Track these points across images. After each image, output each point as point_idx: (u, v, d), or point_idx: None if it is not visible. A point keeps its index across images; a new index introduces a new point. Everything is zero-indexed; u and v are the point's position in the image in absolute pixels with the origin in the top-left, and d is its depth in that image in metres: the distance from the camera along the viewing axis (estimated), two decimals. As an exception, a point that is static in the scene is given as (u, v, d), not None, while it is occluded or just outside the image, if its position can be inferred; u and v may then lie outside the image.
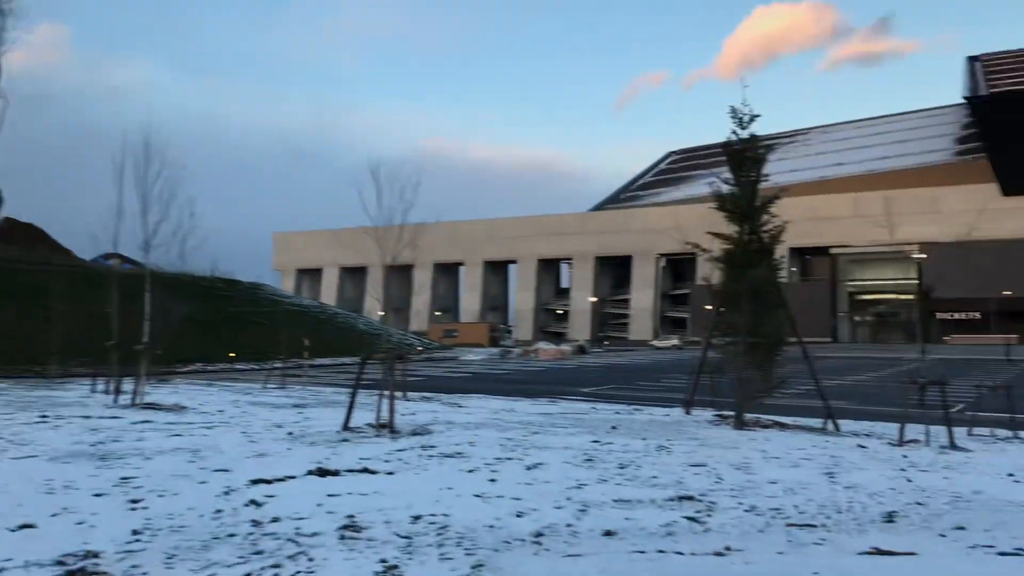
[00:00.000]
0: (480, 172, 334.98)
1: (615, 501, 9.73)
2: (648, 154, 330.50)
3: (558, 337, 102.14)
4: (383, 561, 7.01)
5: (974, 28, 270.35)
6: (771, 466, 12.58)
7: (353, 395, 16.98)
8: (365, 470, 11.38)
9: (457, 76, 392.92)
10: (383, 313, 55.10)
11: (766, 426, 18.22)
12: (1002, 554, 7.84)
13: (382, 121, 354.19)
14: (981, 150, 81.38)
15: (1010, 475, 12.30)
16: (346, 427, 16.00)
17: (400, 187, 19.76)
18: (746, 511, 9.40)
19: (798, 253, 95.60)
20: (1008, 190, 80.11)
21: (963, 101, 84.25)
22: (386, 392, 16.49)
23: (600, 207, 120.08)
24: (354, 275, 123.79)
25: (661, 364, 56.11)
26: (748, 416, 18.58)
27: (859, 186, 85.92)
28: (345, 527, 8.09)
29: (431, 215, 22.51)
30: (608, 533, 8.18)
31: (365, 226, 20.23)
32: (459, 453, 13.21)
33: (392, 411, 16.29)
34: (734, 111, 19.08)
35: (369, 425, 16.32)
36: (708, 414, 20.28)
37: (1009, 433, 17.55)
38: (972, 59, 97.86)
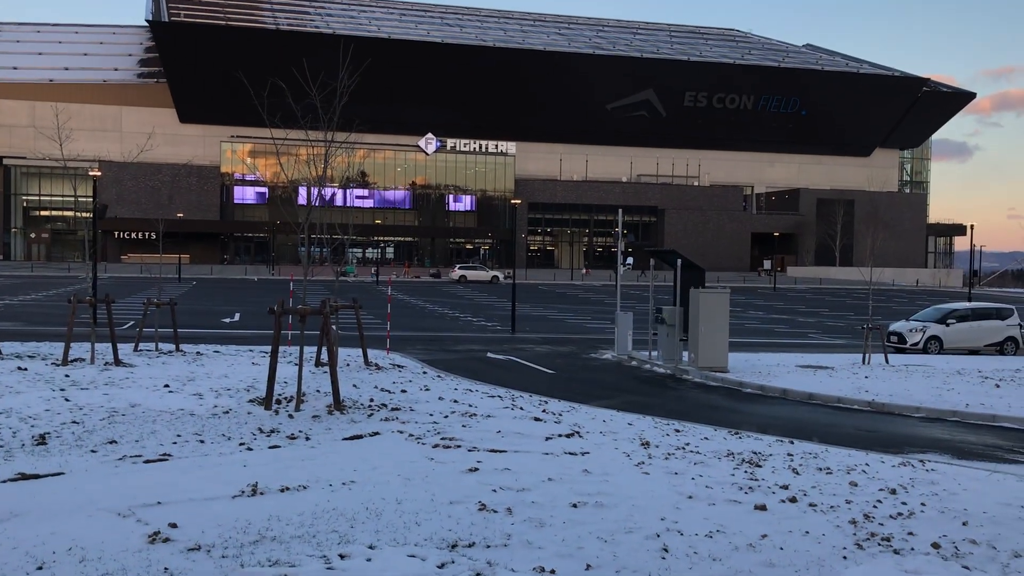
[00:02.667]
0: None
1: None
2: None
3: None
4: None
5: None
6: (-90, 399, 11.10)
7: None
8: None
9: None
10: None
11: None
12: (148, 461, 8.30)
13: None
14: (162, 75, 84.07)
15: (166, 386, 13.10)
16: None
17: None
18: None
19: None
20: (184, 117, 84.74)
21: (146, 24, 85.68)
22: None
23: None
24: None
25: None
26: None
27: (38, 95, 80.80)
28: None
29: None
30: None
31: None
32: None
33: None
34: None
35: None
36: None
37: (172, 347, 18.69)
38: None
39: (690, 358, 19.33)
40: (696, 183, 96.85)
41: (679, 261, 20.20)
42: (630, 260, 79.18)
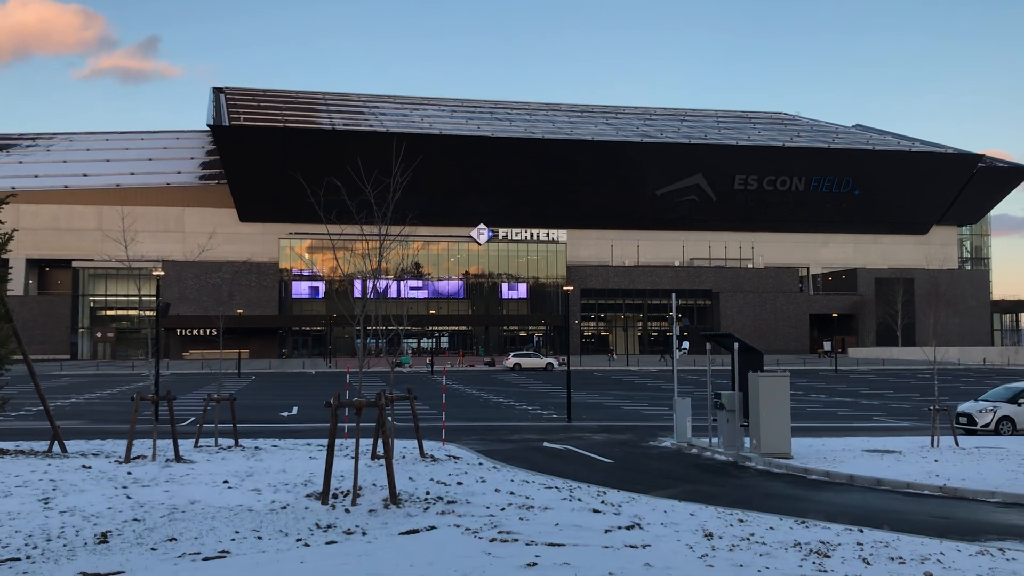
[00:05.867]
0: None
1: None
2: None
3: None
4: None
5: (227, 61, 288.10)
6: (-22, 499, 11.33)
7: None
8: None
9: None
10: None
11: (-20, 454, 16.43)
12: (206, 559, 8.31)
13: None
14: (223, 176, 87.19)
15: (225, 482, 13.19)
16: None
17: None
18: (-63, 555, 8.27)
19: (37, 264, 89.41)
20: (244, 216, 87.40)
21: (207, 128, 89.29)
22: None
23: None
24: None
25: None
26: (-41, 444, 16.52)
27: (105, 199, 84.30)
28: None
29: None
30: None
31: None
32: None
33: None
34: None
35: None
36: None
37: (231, 442, 18.86)
38: (217, 90, 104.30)
39: (752, 444, 18.91)
40: (750, 265, 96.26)
41: (736, 344, 19.94)
42: (686, 344, 78.41)
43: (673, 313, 24.20)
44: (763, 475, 16.96)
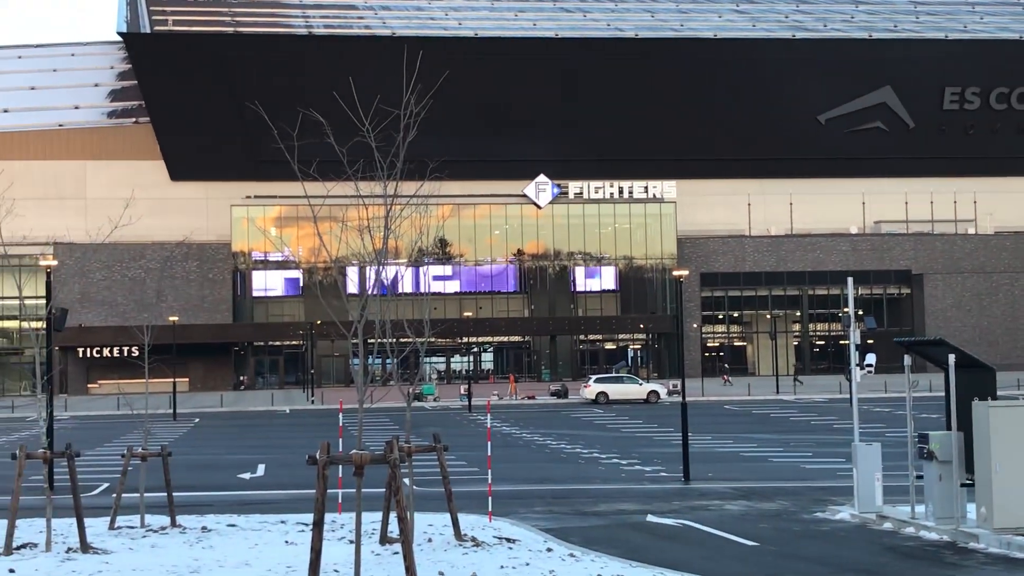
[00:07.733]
0: None
1: None
2: None
3: None
4: None
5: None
6: None
7: None
8: None
9: None
10: None
11: None
12: None
13: None
14: (143, 112, 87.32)
15: (159, 582, 13.33)
16: None
17: None
18: None
19: None
20: (177, 172, 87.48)
21: (119, 38, 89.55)
22: None
23: None
24: None
25: None
26: None
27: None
28: None
29: None
30: None
31: None
32: None
33: None
34: None
35: None
36: None
37: (166, 519, 19.08)
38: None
39: (980, 514, 18.60)
40: (971, 230, 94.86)
41: (952, 357, 19.62)
42: (871, 358, 77.55)
43: (849, 309, 23.93)
44: (999, 563, 16.69)
